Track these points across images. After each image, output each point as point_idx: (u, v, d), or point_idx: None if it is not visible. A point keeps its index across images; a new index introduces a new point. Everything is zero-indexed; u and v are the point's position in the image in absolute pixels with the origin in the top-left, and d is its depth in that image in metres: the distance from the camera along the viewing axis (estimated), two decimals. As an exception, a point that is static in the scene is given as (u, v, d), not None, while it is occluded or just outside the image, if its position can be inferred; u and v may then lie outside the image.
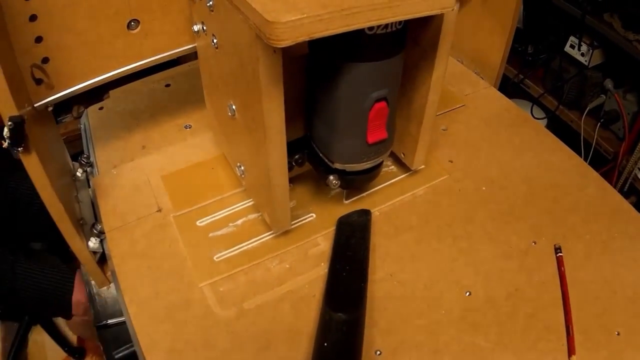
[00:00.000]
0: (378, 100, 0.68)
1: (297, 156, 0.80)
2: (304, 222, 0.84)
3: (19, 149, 0.63)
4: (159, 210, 0.86)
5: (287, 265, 0.79)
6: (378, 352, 0.69)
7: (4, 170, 1.21)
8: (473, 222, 0.85)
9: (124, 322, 0.76)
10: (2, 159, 1.25)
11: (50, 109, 0.81)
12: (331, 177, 0.79)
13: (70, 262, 1.14)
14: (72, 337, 1.64)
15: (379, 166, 0.80)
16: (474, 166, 0.94)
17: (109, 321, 0.81)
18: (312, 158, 0.82)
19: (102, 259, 0.83)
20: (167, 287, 0.76)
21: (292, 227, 0.83)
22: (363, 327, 0.68)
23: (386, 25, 0.62)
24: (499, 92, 1.10)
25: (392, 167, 0.94)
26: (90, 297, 0.85)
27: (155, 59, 0.86)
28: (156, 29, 0.83)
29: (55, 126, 0.91)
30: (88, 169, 0.95)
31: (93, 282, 0.85)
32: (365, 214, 0.84)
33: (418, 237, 0.82)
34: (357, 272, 0.74)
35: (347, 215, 0.84)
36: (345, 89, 0.67)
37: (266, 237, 0.82)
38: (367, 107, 0.68)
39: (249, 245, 0.81)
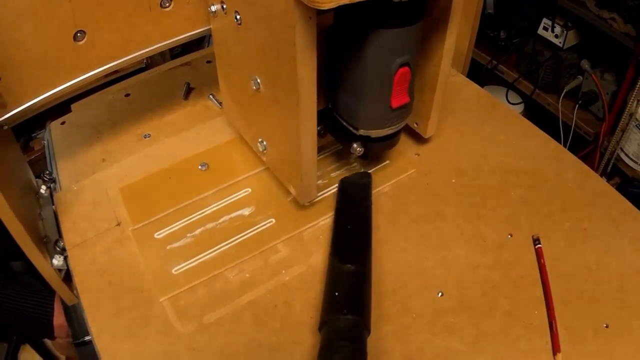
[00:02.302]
0: (402, 65, 0.72)
1: (318, 128, 0.81)
2: (263, 228, 0.81)
3: None
4: (118, 225, 0.83)
5: (247, 275, 0.76)
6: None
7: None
8: (443, 218, 0.81)
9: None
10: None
11: (5, 127, 0.79)
12: (355, 145, 0.82)
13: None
14: (61, 355, 1.61)
15: (399, 132, 0.84)
16: (442, 158, 0.91)
17: (86, 338, 0.78)
18: (333, 129, 0.86)
19: (69, 275, 0.81)
20: (128, 304, 0.73)
21: (251, 234, 0.81)
22: (370, 277, 0.70)
23: None
24: (467, 79, 1.07)
25: (355, 164, 0.91)
26: (67, 314, 0.83)
27: (105, 69, 0.84)
28: (102, 38, 0.80)
29: (16, 144, 0.89)
30: (51, 186, 0.93)
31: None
32: (367, 176, 0.87)
33: (384, 237, 0.79)
34: (362, 227, 0.77)
35: (349, 176, 0.87)
36: (372, 55, 0.71)
37: (224, 246, 0.79)
38: (393, 71, 0.72)
39: (208, 256, 0.78)
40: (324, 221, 0.82)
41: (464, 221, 0.81)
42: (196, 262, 0.77)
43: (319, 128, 0.81)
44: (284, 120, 0.73)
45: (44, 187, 0.91)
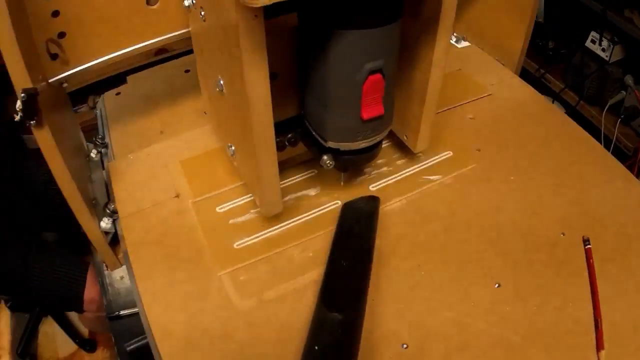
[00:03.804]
0: (373, 72, 0.64)
1: (289, 135, 0.77)
2: (329, 208, 0.82)
3: (32, 122, 0.62)
4: (177, 196, 0.84)
5: (311, 254, 0.76)
6: (405, 346, 0.66)
7: (20, 160, 1.20)
8: (502, 212, 0.82)
9: (136, 314, 0.74)
10: (17, 148, 1.25)
11: (65, 84, 0.79)
12: (325, 157, 0.75)
13: (83, 255, 1.12)
14: (84, 329, 1.63)
15: (376, 146, 0.76)
16: (502, 155, 0.91)
17: (122, 312, 0.79)
18: (305, 137, 0.79)
19: (115, 240, 0.82)
20: (183, 276, 0.73)
21: (317, 214, 0.81)
22: (360, 329, 0.62)
23: None
24: (523, 82, 1.07)
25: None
26: (103, 287, 0.83)
27: (174, 36, 0.83)
28: (176, 4, 0.79)
29: (71, 107, 0.90)
30: (102, 150, 0.94)
31: (106, 272, 0.83)
32: (374, 200, 0.80)
33: (446, 226, 0.80)
34: (358, 265, 0.69)
35: (353, 200, 0.80)
36: (336, 59, 0.63)
37: (289, 224, 0.80)
38: (361, 79, 0.64)
39: (271, 233, 0.78)
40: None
41: (520, 217, 0.81)
42: (259, 238, 0.77)
43: (289, 135, 0.77)
44: (242, 125, 0.67)
45: (94, 151, 0.92)
